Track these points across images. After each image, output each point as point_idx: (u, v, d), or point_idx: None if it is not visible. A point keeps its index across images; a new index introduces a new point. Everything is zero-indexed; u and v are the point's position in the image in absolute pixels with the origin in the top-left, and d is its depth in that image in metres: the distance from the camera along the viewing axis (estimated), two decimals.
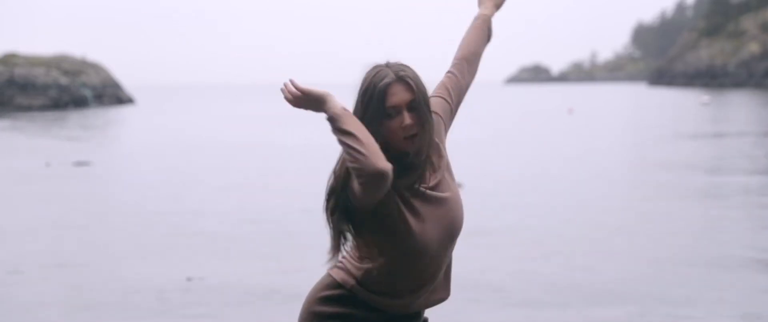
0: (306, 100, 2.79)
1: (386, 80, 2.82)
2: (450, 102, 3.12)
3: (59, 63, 65.31)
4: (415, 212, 2.83)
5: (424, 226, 2.83)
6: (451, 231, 2.90)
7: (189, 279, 8.88)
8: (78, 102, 62.93)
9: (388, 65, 2.88)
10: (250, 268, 9.45)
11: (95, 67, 69.45)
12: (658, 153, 22.99)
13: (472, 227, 11.64)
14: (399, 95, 2.81)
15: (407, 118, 2.81)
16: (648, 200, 14.40)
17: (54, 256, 10.25)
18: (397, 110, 2.82)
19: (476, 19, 3.31)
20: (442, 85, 3.18)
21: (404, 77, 2.83)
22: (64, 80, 63.49)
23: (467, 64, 3.22)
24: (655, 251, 10.15)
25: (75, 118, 47.60)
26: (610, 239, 10.99)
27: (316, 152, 24.16)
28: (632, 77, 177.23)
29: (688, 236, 11.10)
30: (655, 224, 12.08)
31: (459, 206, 2.92)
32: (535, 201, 14.30)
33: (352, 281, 2.90)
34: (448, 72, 3.22)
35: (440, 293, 2.97)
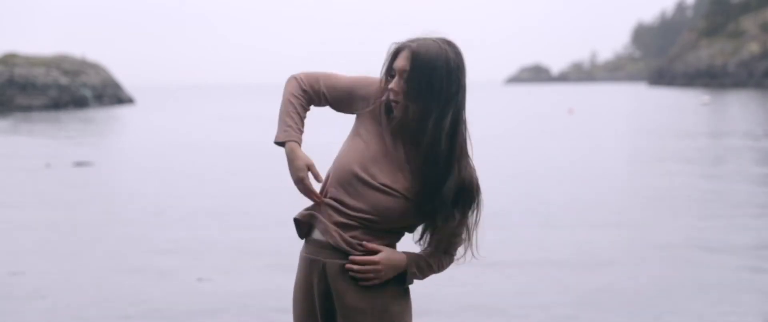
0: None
1: (403, 44, 2.96)
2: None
3: (59, 63, 65.28)
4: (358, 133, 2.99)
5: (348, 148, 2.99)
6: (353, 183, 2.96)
7: (199, 280, 8.87)
8: (78, 102, 62.91)
9: (430, 38, 2.96)
10: (257, 268, 9.43)
11: (95, 67, 69.43)
12: (659, 154, 22.98)
13: None
14: (402, 62, 2.94)
15: (395, 84, 2.94)
16: (648, 203, 14.39)
17: (55, 256, 10.24)
18: (397, 73, 2.94)
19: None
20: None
21: (416, 51, 2.91)
22: (64, 80, 63.47)
23: None
24: (653, 257, 10.15)
25: (75, 118, 47.59)
26: (611, 242, 10.98)
27: (317, 153, 24.13)
28: (632, 77, 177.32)
29: (687, 241, 11.09)
30: (655, 226, 12.07)
31: (382, 199, 2.96)
32: (536, 202, 14.29)
33: None
34: None
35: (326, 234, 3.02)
